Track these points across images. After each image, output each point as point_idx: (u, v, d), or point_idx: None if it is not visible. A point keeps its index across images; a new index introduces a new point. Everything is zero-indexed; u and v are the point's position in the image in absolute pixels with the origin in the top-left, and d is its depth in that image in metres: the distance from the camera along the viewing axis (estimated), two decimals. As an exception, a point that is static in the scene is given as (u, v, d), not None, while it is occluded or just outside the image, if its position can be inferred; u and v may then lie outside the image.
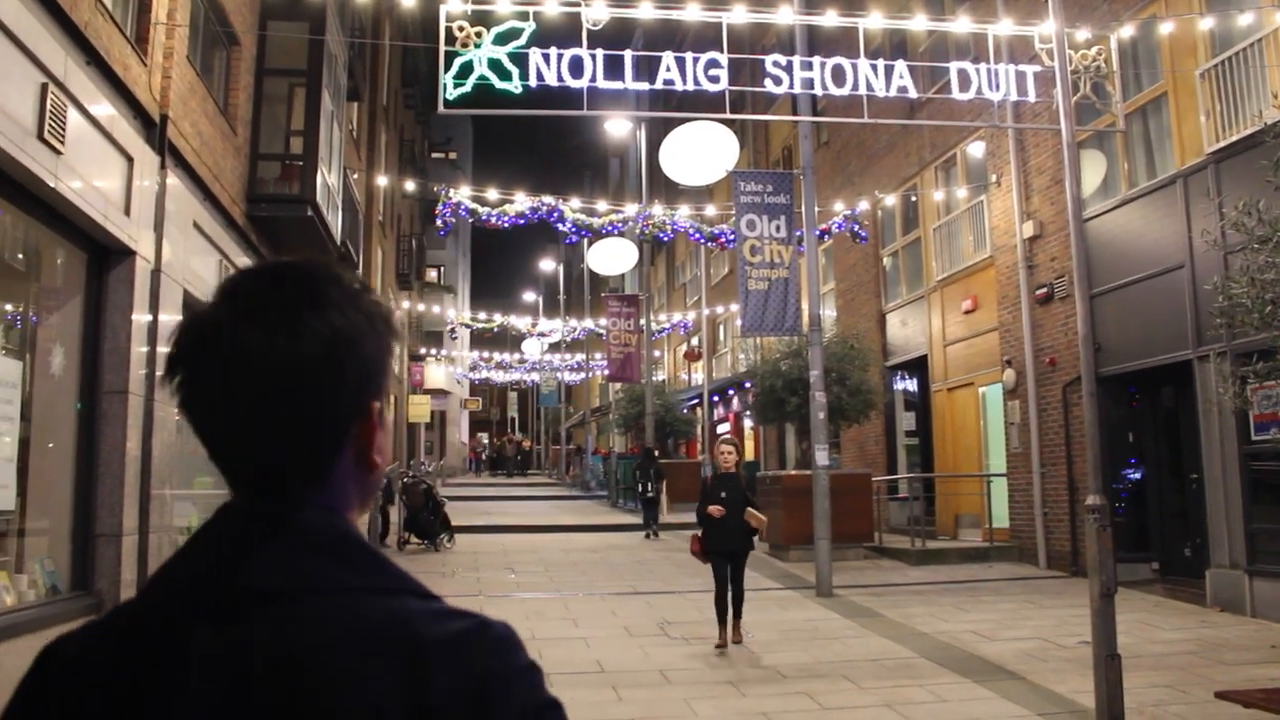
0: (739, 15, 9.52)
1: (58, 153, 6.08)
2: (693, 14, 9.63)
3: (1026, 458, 13.24)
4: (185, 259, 8.65)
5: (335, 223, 13.13)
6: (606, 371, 26.66)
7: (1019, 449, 13.51)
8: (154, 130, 8.06)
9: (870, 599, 10.81)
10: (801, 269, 12.95)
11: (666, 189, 25.95)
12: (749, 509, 8.35)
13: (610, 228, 18.54)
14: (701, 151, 14.55)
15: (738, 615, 8.39)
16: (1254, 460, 9.51)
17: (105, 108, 6.98)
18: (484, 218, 16.59)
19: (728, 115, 11.08)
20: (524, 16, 8.83)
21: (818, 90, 9.81)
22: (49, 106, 5.95)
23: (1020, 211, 13.53)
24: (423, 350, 36.89)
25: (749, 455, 24.55)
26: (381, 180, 23.51)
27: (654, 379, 25.90)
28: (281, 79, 12.09)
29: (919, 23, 10.71)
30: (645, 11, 9.56)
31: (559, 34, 9.15)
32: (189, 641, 0.83)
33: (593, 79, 9.09)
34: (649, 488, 18.11)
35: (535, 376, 42.97)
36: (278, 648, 0.82)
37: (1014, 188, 13.66)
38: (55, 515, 6.86)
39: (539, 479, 42.18)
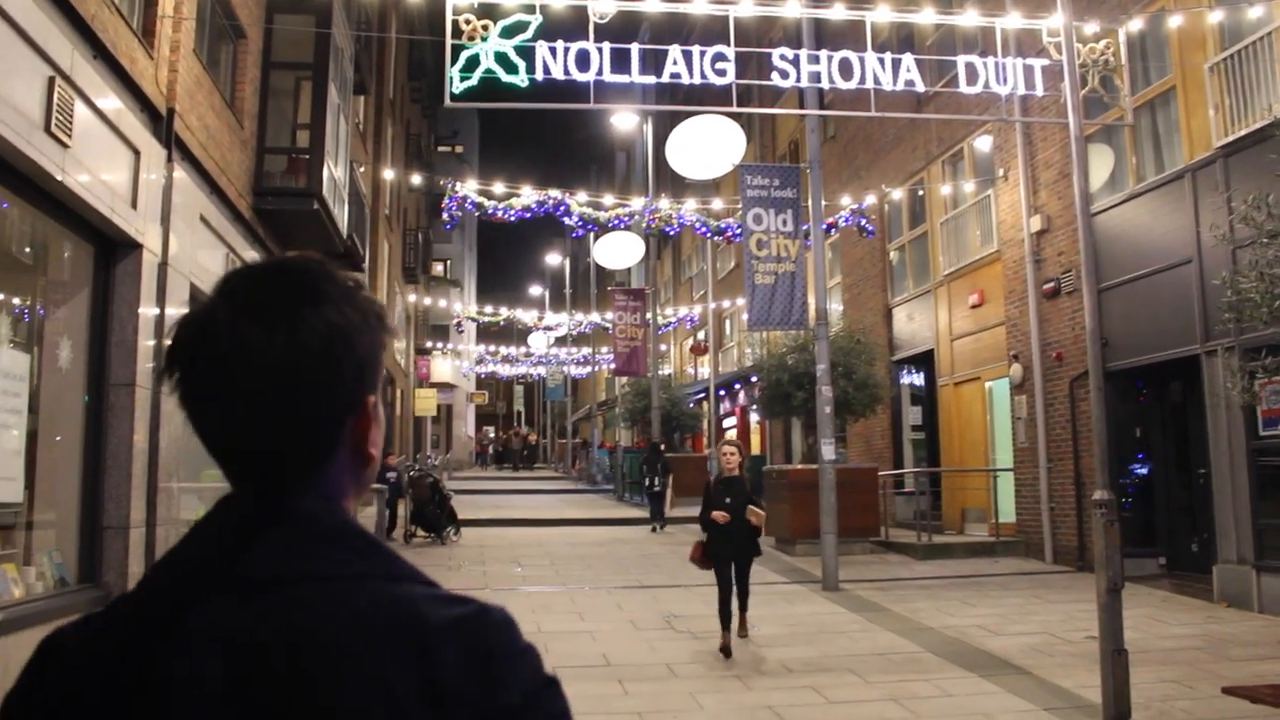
0: (746, 8, 9.48)
1: (65, 146, 6.09)
2: (699, 7, 9.61)
3: (1033, 452, 13.22)
4: (192, 252, 8.66)
5: (341, 216, 13.14)
6: (613, 365, 26.68)
7: (1025, 444, 13.48)
8: (160, 123, 8.08)
9: (876, 593, 10.81)
10: (808, 263, 12.93)
11: (673, 183, 25.95)
12: (750, 506, 8.07)
13: (616, 221, 18.57)
14: (708, 145, 14.53)
15: (744, 610, 8.34)
16: (1262, 455, 9.48)
17: (112, 101, 6.98)
18: (490, 211, 16.61)
19: (734, 109, 11.05)
20: (530, 10, 8.81)
21: (825, 84, 9.77)
22: (56, 100, 5.95)
23: (1027, 206, 13.48)
24: (429, 344, 36.95)
25: (754, 449, 24.55)
26: (388, 174, 23.56)
27: (660, 373, 25.91)
28: (288, 72, 12.08)
29: (927, 16, 10.64)
30: (652, 5, 9.54)
31: (565, 27, 9.13)
32: (191, 627, 0.83)
33: (599, 72, 9.06)
34: (655, 482, 18.13)
35: (541, 370, 43.03)
36: (284, 631, 0.82)
37: (1021, 182, 13.61)
38: (63, 508, 6.88)
39: (545, 473, 42.24)
